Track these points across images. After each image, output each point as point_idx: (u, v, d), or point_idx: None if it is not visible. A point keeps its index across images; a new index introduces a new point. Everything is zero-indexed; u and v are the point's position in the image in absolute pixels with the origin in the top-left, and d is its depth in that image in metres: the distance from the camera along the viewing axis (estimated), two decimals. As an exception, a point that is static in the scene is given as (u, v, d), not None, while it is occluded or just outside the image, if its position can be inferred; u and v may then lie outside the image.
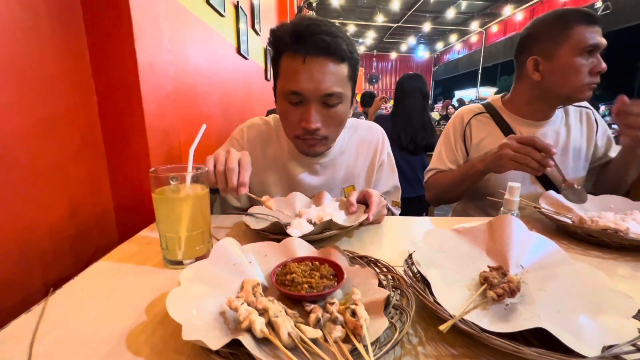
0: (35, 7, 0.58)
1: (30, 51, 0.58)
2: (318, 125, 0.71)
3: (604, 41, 0.86)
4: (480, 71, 12.16)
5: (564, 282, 0.43)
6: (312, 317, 0.35)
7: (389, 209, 0.83)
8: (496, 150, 0.81)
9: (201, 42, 1.31)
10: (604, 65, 0.86)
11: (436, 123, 6.18)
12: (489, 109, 1.03)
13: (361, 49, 15.28)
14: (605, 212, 0.69)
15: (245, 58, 2.01)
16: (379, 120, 2.12)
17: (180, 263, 0.52)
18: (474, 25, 11.35)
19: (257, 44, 2.43)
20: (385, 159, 0.93)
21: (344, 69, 0.71)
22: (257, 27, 2.34)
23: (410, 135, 1.96)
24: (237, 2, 1.83)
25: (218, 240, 0.47)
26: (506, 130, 0.98)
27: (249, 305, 0.36)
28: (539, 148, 0.74)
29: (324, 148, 0.80)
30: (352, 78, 0.74)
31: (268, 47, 0.75)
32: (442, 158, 1.05)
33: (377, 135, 0.93)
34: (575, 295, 0.40)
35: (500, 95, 1.06)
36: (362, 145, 0.90)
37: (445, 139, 1.06)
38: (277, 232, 0.60)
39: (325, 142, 0.77)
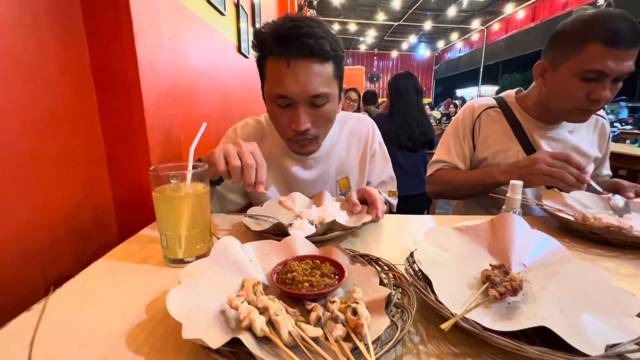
0: (35, 6, 0.58)
1: (30, 50, 0.57)
2: (308, 126, 0.73)
3: (620, 68, 0.74)
4: (481, 69, 12.14)
5: (566, 281, 0.43)
6: (313, 315, 0.35)
7: (387, 202, 0.83)
8: (526, 164, 0.77)
9: (201, 40, 1.31)
10: (604, 93, 0.76)
11: (437, 121, 6.19)
12: (501, 104, 0.98)
13: (362, 48, 15.28)
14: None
15: (246, 57, 2.00)
16: (378, 119, 2.13)
17: (180, 262, 0.52)
18: (476, 24, 11.32)
19: (258, 43, 2.42)
20: (377, 148, 0.93)
21: (329, 68, 0.71)
22: (258, 25, 2.34)
23: (408, 133, 1.97)
24: (238, 0, 1.83)
25: (218, 238, 0.47)
26: (517, 128, 0.94)
27: (249, 303, 0.36)
28: (573, 165, 0.71)
29: (315, 147, 0.82)
30: (338, 76, 0.75)
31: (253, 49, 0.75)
32: (450, 150, 1.01)
33: (367, 125, 0.93)
34: (578, 294, 0.40)
35: (515, 90, 1.02)
36: (352, 137, 0.91)
37: (454, 131, 1.02)
38: (278, 234, 0.60)
39: (316, 141, 0.79)
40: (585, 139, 0.96)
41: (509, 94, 1.01)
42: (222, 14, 1.55)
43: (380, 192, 0.73)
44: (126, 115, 0.74)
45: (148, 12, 0.75)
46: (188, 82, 1.17)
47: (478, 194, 0.94)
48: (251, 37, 2.26)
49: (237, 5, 1.83)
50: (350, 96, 3.35)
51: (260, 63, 0.74)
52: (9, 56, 0.53)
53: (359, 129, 0.92)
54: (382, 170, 0.93)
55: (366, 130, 0.92)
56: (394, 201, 0.92)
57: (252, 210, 0.72)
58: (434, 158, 1.06)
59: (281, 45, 0.67)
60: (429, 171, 1.06)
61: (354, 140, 0.91)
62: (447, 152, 1.02)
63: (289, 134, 0.76)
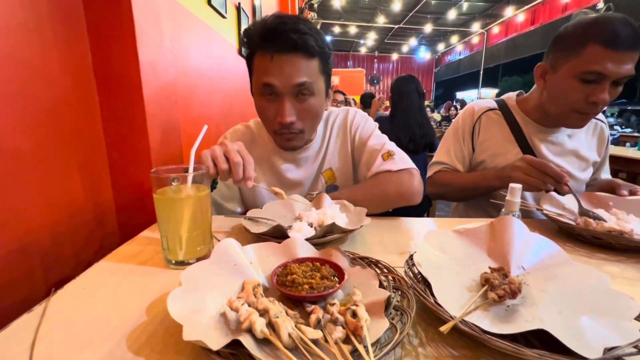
0: (38, 8, 0.59)
1: (34, 51, 0.58)
2: (293, 118, 0.74)
3: (619, 71, 0.73)
4: (481, 72, 12.16)
5: (565, 283, 0.43)
6: (313, 317, 0.35)
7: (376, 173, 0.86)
8: (507, 171, 0.79)
9: (203, 43, 1.32)
10: (602, 96, 0.75)
11: (437, 124, 6.18)
12: (502, 106, 0.98)
13: (362, 50, 15.32)
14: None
15: (247, 59, 2.01)
16: (379, 121, 2.14)
17: (181, 263, 0.53)
18: (476, 27, 11.36)
19: (259, 45, 2.43)
20: (358, 128, 0.91)
21: (314, 63, 0.73)
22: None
23: (409, 135, 1.98)
24: (239, 3, 1.84)
25: (219, 240, 0.47)
26: (516, 131, 0.94)
27: (249, 305, 0.36)
28: (550, 175, 0.70)
29: (301, 142, 0.82)
30: (325, 72, 0.77)
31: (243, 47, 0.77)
32: (449, 152, 1.02)
33: (346, 114, 0.94)
34: (577, 297, 0.40)
35: (516, 92, 1.02)
36: (338, 130, 0.92)
37: (454, 132, 1.03)
38: (278, 236, 0.60)
39: (302, 135, 0.79)
40: (584, 142, 0.96)
41: (510, 96, 1.01)
42: (223, 16, 1.56)
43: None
44: (128, 117, 0.74)
45: (150, 14, 0.76)
46: (189, 84, 1.18)
47: (477, 196, 0.94)
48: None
49: (238, 8, 1.84)
50: (337, 97, 3.37)
51: (249, 59, 0.77)
52: (13, 58, 0.54)
53: (341, 120, 0.93)
54: (366, 140, 0.90)
55: (345, 117, 0.93)
56: (390, 165, 0.89)
57: (251, 212, 0.72)
58: (433, 159, 1.07)
59: (267, 40, 0.70)
60: (429, 172, 1.07)
61: (339, 133, 0.92)
62: (446, 154, 1.03)
63: (275, 127, 0.77)
